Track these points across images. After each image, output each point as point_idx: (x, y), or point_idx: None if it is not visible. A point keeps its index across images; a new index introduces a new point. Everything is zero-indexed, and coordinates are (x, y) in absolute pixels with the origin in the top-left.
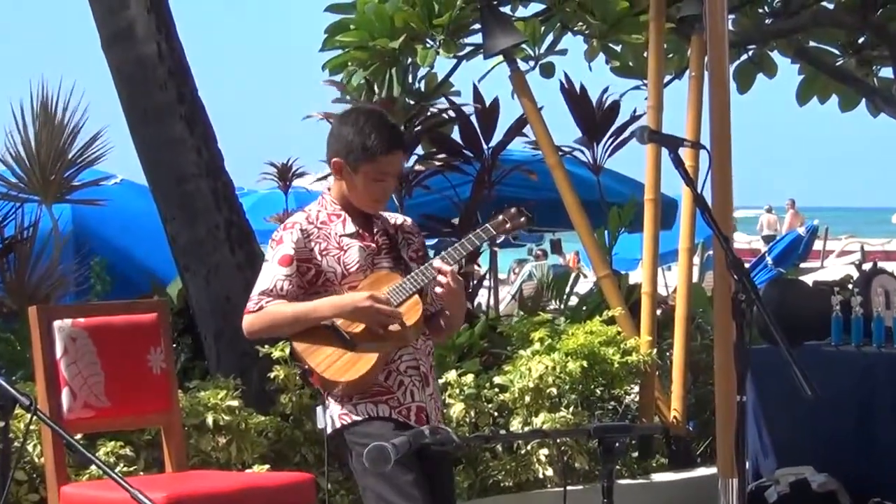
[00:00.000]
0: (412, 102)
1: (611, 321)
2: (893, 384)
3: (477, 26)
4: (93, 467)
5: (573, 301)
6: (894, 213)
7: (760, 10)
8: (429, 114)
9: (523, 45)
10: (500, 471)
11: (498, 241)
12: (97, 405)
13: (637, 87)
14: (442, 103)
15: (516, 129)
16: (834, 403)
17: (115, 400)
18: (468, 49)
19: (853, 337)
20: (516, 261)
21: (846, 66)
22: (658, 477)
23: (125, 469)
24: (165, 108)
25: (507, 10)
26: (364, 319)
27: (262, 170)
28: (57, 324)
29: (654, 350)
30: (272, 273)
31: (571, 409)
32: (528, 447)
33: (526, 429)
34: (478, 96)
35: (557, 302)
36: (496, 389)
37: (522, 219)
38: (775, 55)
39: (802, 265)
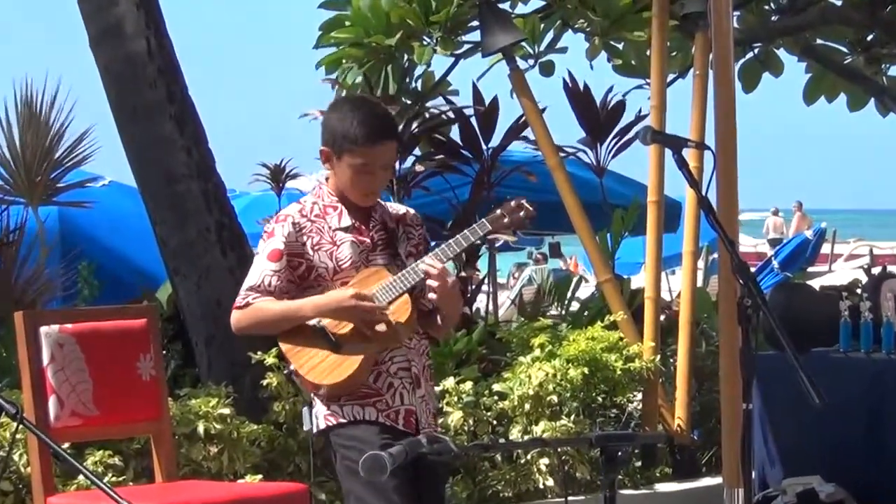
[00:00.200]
0: (409, 102)
1: (613, 327)
2: None
3: (475, 23)
4: (81, 477)
5: (574, 306)
6: None
7: (766, 7)
8: (427, 115)
9: (523, 43)
10: (499, 481)
11: (497, 244)
12: (85, 413)
13: (639, 87)
14: (440, 103)
15: (516, 130)
16: (842, 411)
17: (104, 408)
18: (466, 47)
19: (862, 343)
20: (516, 265)
21: (854, 65)
22: (662, 487)
23: (114, 479)
24: (155, 106)
25: (506, 6)
26: (348, 318)
27: (254, 171)
28: (44, 329)
29: (658, 356)
30: (260, 268)
31: (573, 417)
32: (528, 456)
33: (526, 437)
34: (477, 96)
35: (558, 307)
36: (495, 397)
37: (522, 213)
38: (781, 53)
39: (810, 269)
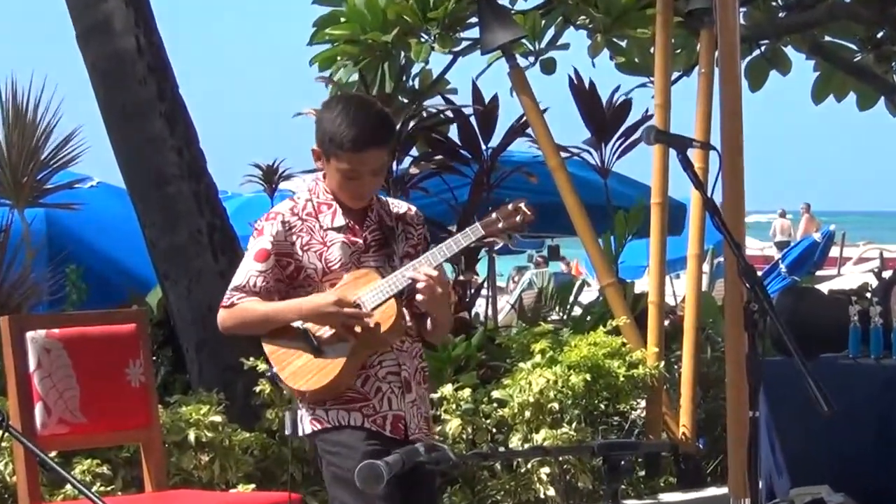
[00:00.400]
0: (406, 101)
1: (616, 332)
2: None
3: (474, 20)
4: (68, 486)
5: (576, 311)
6: None
7: (773, 4)
8: (425, 114)
9: (523, 40)
10: (498, 490)
11: (496, 246)
12: (72, 421)
13: (643, 85)
14: (438, 102)
15: (517, 130)
16: (852, 419)
17: (92, 415)
18: (465, 44)
19: (872, 349)
20: (516, 268)
21: (864, 63)
22: (666, 497)
23: (102, 488)
24: (144, 105)
25: (505, 2)
26: (330, 324)
27: (246, 172)
28: (30, 335)
29: (662, 362)
30: (247, 268)
31: (574, 425)
32: (529, 465)
33: (526, 446)
34: (476, 95)
35: (559, 312)
36: (495, 404)
37: (518, 217)
38: (789, 51)
39: (818, 273)
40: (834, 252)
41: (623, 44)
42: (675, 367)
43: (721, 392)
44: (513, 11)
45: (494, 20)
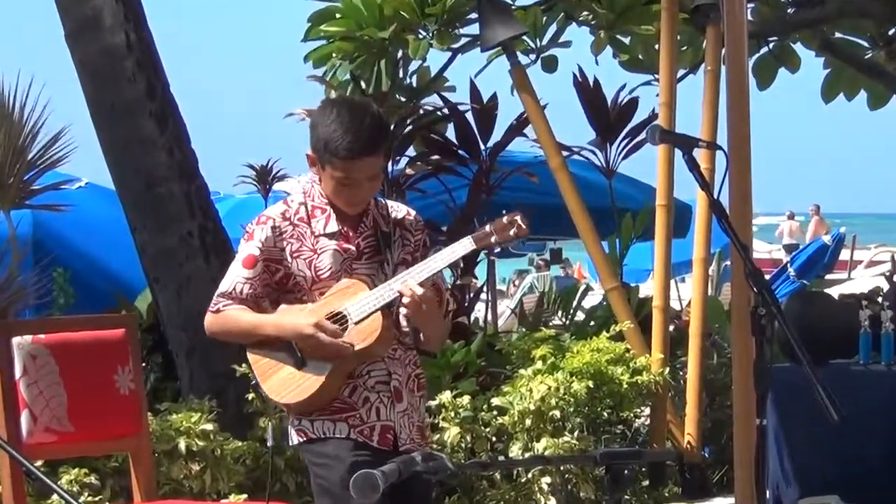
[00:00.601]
0: (403, 99)
1: (619, 338)
2: None
3: (473, 16)
4: (55, 497)
5: (578, 316)
6: None
7: None
8: (422, 112)
9: (524, 37)
10: (498, 500)
11: (496, 249)
12: (59, 429)
13: (648, 83)
14: (435, 100)
15: (516, 129)
16: (862, 427)
17: (80, 423)
18: (464, 41)
19: (883, 355)
20: (516, 272)
21: (875, 60)
22: None
23: (90, 499)
24: (134, 103)
25: None
26: (309, 346)
27: (239, 172)
28: (16, 340)
29: (667, 369)
30: (234, 274)
31: (576, 433)
32: (529, 475)
33: (527, 455)
34: (475, 92)
35: (561, 316)
36: (494, 412)
37: (513, 231)
38: (798, 47)
39: (828, 276)
40: (844, 255)
41: (627, 41)
42: (681, 373)
43: (728, 399)
44: (513, 7)
45: (494, 16)
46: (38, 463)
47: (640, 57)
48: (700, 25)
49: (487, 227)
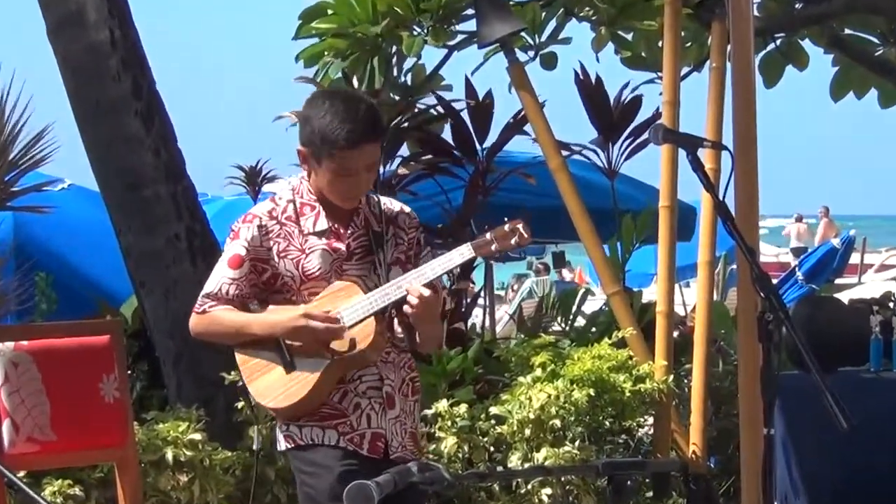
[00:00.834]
0: (397, 98)
1: (621, 344)
2: None
3: (470, 11)
4: None
5: (579, 322)
6: None
7: None
8: (416, 110)
9: (522, 33)
10: None
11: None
12: (42, 439)
13: (651, 81)
14: (430, 99)
15: (514, 128)
16: (873, 436)
17: (63, 433)
18: (460, 37)
19: (894, 362)
20: (515, 276)
21: (886, 57)
22: None
23: None
24: (119, 102)
25: None
26: (301, 339)
27: (228, 173)
28: None
29: (671, 377)
30: (220, 274)
31: (577, 443)
32: (529, 486)
33: (526, 465)
34: (471, 90)
35: (561, 322)
36: (492, 421)
37: (514, 240)
38: (806, 44)
39: (837, 281)
40: (854, 259)
41: (629, 37)
42: (685, 381)
43: (734, 408)
44: (511, 3)
45: (492, 12)
46: (21, 474)
47: (642, 54)
48: (705, 21)
49: (488, 235)
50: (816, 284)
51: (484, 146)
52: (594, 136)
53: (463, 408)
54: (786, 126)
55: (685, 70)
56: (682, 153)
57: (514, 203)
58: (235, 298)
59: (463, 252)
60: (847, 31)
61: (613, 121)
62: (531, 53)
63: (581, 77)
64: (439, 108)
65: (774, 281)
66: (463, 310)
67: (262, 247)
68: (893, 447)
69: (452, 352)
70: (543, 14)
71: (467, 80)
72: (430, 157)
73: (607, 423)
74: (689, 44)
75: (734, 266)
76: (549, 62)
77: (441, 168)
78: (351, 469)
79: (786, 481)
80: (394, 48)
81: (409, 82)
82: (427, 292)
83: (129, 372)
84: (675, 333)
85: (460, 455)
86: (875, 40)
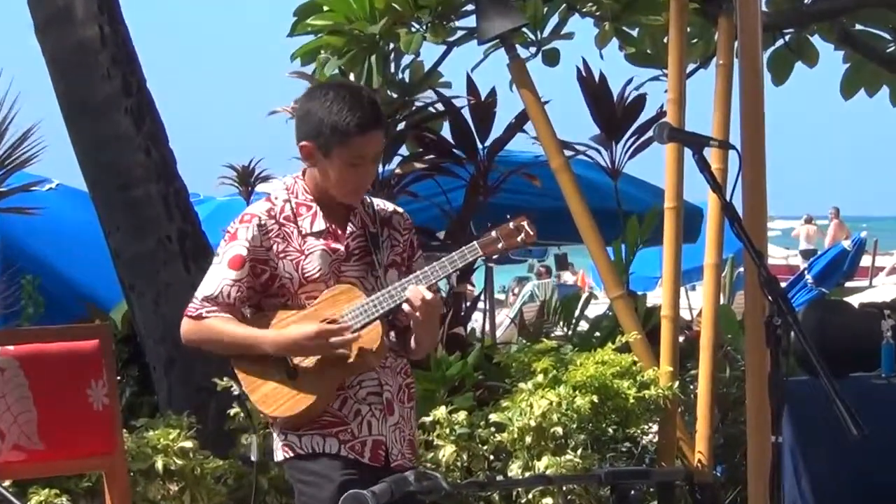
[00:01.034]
0: (395, 95)
1: (625, 349)
2: None
3: (470, 7)
4: None
5: (582, 326)
6: None
7: None
8: (414, 108)
9: (523, 29)
10: None
11: (494, 256)
12: (29, 447)
13: (656, 78)
14: (430, 96)
15: (516, 126)
16: (884, 444)
17: (50, 441)
18: (460, 34)
19: None
20: (516, 279)
21: None
22: None
23: None
24: (108, 100)
25: None
26: (313, 354)
27: (220, 173)
28: None
29: (676, 383)
30: (219, 276)
31: (580, 451)
32: (530, 496)
33: (527, 474)
34: (471, 88)
35: (564, 327)
36: (492, 428)
37: (520, 237)
38: (816, 40)
39: (848, 284)
40: (865, 261)
41: (634, 33)
42: (691, 387)
43: (741, 415)
44: None
45: (492, 7)
46: (6, 483)
47: (647, 50)
48: (712, 16)
49: (493, 233)
50: (826, 288)
51: (485, 145)
52: (596, 134)
53: (462, 415)
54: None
55: (691, 67)
56: (687, 152)
57: (516, 204)
58: (237, 302)
59: (469, 251)
60: (858, 26)
61: (617, 119)
62: (533, 50)
63: (584, 74)
64: (438, 106)
65: (783, 284)
66: (462, 314)
67: (262, 247)
68: None
69: (451, 357)
70: (545, 9)
71: (468, 78)
72: (430, 156)
73: (610, 430)
74: (695, 40)
75: (741, 269)
76: (552, 59)
77: (441, 168)
78: (352, 479)
79: (794, 491)
80: (391, 45)
81: (407, 80)
82: (430, 295)
83: (118, 378)
84: (681, 338)
85: (459, 463)
86: (887, 36)
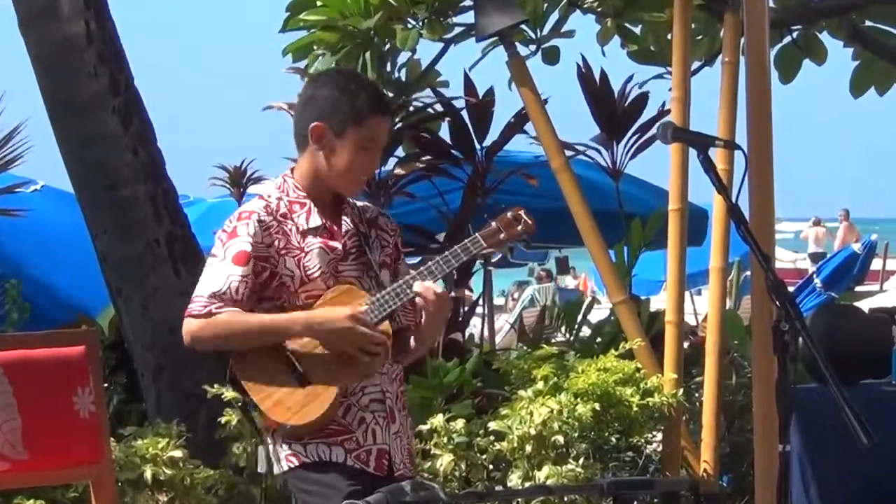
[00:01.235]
0: (391, 94)
1: (628, 356)
2: None
3: (468, 3)
4: None
5: (584, 332)
6: None
7: None
8: (412, 108)
9: (523, 26)
10: None
11: (493, 259)
12: (13, 456)
13: (659, 76)
14: (427, 95)
15: (515, 126)
16: (894, 453)
17: (35, 450)
18: (457, 30)
19: None
20: (516, 283)
21: None
22: None
23: None
24: (95, 98)
25: None
26: (341, 343)
27: (210, 174)
28: None
29: (681, 390)
30: (225, 272)
31: (581, 460)
32: None
33: (527, 484)
34: (469, 87)
35: (565, 333)
36: (491, 437)
37: (520, 226)
38: (824, 37)
39: (858, 288)
40: (876, 265)
41: (636, 29)
42: (696, 395)
43: (748, 423)
44: None
45: (490, 3)
46: None
47: (650, 47)
48: (717, 12)
49: (493, 224)
50: (835, 292)
51: (483, 145)
52: (597, 134)
53: (460, 423)
54: (803, 124)
55: (696, 64)
56: (692, 153)
57: (515, 206)
58: (244, 298)
59: (475, 242)
60: (868, 22)
61: (618, 117)
62: (532, 47)
63: (583, 71)
64: (436, 106)
65: (791, 288)
66: (460, 319)
67: (263, 243)
68: None
69: (449, 364)
70: (545, 5)
71: (466, 76)
72: (427, 157)
73: (613, 439)
74: (700, 36)
75: (748, 273)
76: (552, 56)
77: (438, 168)
78: (357, 489)
79: (802, 501)
80: (387, 42)
81: (402, 78)
82: (441, 289)
83: (105, 385)
84: (686, 344)
85: (457, 473)
86: None
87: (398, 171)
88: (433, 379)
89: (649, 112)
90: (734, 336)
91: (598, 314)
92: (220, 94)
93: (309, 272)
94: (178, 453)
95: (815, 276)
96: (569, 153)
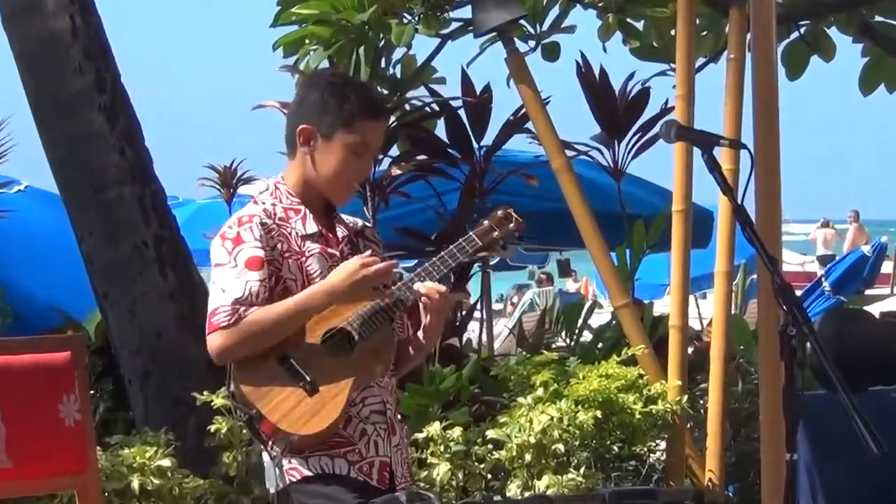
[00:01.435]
0: (385, 91)
1: (631, 361)
2: None
3: None
4: None
5: (585, 337)
6: None
7: None
8: (406, 106)
9: (522, 21)
10: None
11: (492, 261)
12: None
13: (663, 73)
14: (422, 93)
15: (514, 125)
16: None
17: (19, 459)
18: (454, 26)
19: None
20: (515, 287)
21: None
22: None
23: None
24: (80, 96)
25: None
26: (364, 289)
27: (200, 174)
28: None
29: (685, 397)
30: (242, 279)
31: (582, 469)
32: None
33: (527, 494)
34: (467, 85)
35: (566, 338)
36: (490, 446)
37: (511, 224)
38: (833, 32)
39: (867, 292)
40: (886, 268)
41: (639, 25)
42: (701, 401)
43: (754, 431)
44: None
45: None
46: None
47: (654, 44)
48: (722, 8)
49: (486, 223)
50: (844, 296)
51: (481, 144)
52: (598, 133)
53: (457, 431)
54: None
55: (701, 61)
56: (696, 152)
57: (515, 206)
58: (264, 303)
59: (467, 242)
60: (878, 18)
61: (619, 116)
62: (532, 43)
63: (583, 69)
64: (433, 105)
65: (798, 292)
66: (458, 324)
67: (268, 246)
68: None
69: (446, 370)
70: (545, 0)
71: (463, 73)
72: (423, 156)
73: (615, 447)
74: (704, 32)
75: (754, 276)
76: (552, 53)
77: (435, 168)
78: (362, 502)
79: None
80: (381, 37)
81: (398, 75)
82: (444, 288)
83: (91, 392)
84: (690, 350)
85: (454, 483)
86: None
87: (393, 170)
88: (429, 386)
89: (652, 110)
90: (740, 341)
91: (599, 318)
92: (210, 92)
93: (311, 276)
94: (166, 462)
95: (823, 279)
96: (570, 153)
